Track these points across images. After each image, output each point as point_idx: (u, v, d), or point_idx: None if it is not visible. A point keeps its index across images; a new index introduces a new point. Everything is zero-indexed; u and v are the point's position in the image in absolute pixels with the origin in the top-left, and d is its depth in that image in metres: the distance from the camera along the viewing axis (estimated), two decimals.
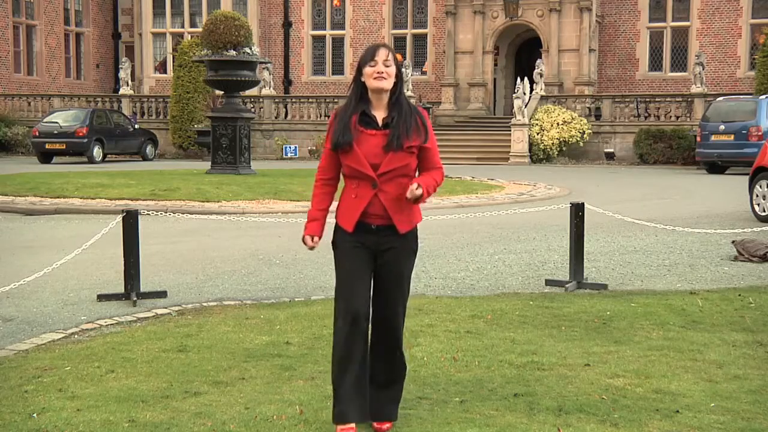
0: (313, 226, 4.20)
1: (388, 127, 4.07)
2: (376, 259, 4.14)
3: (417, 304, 7.05)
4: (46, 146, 28.35)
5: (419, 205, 4.17)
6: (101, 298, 7.53)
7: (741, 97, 26.09)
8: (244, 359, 5.55)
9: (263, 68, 31.70)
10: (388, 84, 4.09)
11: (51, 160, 28.41)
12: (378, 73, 4.06)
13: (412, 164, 4.11)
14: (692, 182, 21.26)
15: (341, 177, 4.20)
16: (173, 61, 34.18)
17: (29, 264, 9.05)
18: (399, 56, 36.83)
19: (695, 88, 29.13)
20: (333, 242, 4.18)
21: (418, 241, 4.26)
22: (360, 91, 4.14)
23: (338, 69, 38.01)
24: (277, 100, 33.21)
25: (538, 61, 31.57)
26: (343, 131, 4.06)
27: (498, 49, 35.47)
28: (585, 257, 8.41)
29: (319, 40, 38.28)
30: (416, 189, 4.00)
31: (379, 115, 4.11)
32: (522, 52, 36.80)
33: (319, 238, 4.18)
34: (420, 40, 37.22)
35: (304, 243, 4.18)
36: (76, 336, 6.34)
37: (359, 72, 4.13)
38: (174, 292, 7.88)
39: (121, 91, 34.12)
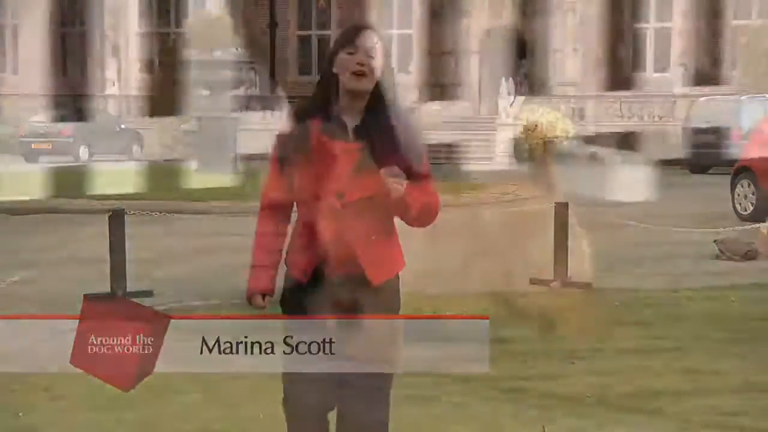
0: (261, 276, 2.95)
1: (360, 139, 2.86)
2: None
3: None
4: (33, 146, 28.18)
5: (401, 247, 2.96)
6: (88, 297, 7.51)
7: (723, 97, 26.19)
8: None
9: (249, 69, 31.62)
10: (370, 83, 2.83)
11: (37, 160, 28.28)
12: (358, 64, 2.81)
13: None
14: (675, 181, 21.32)
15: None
16: (159, 61, 34.05)
17: (15, 264, 9.03)
18: None
19: (678, 89, 29.21)
20: (283, 299, 3.03)
21: (400, 296, 2.99)
22: (327, 87, 2.89)
23: None
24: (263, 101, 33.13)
25: (523, 61, 31.61)
26: (298, 136, 2.88)
27: (483, 49, 35.50)
28: (569, 256, 8.44)
29: (305, 41, 38.23)
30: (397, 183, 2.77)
31: (351, 121, 2.87)
32: (507, 53, 36.84)
33: (272, 294, 2.99)
34: (405, 41, 37.22)
35: (250, 303, 2.98)
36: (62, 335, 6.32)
37: (330, 61, 2.90)
38: (160, 291, 7.86)
39: (108, 91, 33.94)
